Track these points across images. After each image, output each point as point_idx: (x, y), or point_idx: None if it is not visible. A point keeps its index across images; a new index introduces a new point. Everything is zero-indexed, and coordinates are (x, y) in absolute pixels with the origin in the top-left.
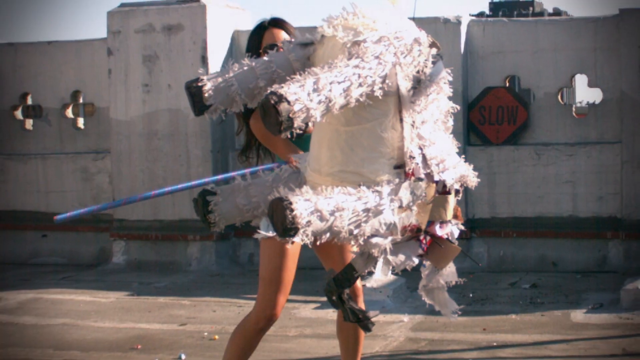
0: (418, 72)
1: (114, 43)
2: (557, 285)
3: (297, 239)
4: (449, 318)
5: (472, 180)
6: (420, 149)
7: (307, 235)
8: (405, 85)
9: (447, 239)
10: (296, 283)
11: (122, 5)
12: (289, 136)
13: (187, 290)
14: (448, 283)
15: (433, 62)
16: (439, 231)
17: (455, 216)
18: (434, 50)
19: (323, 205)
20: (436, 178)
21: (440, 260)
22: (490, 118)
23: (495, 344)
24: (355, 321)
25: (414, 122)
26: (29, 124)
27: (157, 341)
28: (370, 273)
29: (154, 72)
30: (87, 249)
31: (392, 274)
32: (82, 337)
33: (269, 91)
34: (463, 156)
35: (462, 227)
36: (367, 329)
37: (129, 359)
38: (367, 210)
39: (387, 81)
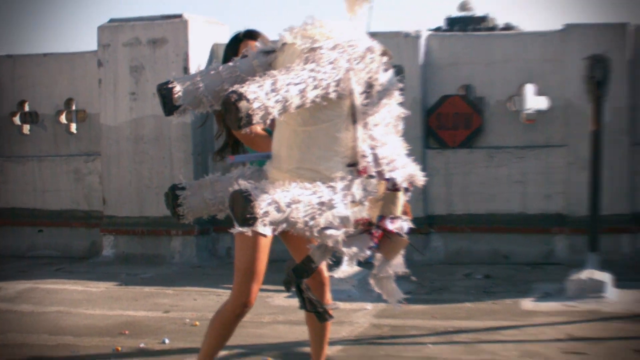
0: (370, 77)
1: (104, 55)
2: (508, 276)
3: (258, 229)
4: (394, 306)
5: (420, 179)
6: (372, 149)
7: (265, 225)
8: (357, 89)
9: (397, 233)
10: (270, 274)
11: (111, 20)
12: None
13: (171, 281)
14: (396, 273)
15: (384, 70)
16: (390, 225)
17: (404, 212)
18: (385, 59)
19: (280, 198)
20: (387, 176)
21: (390, 252)
22: (447, 124)
23: (451, 329)
24: (311, 310)
25: (366, 123)
26: (26, 129)
27: (143, 327)
28: (338, 264)
29: (140, 82)
30: (79, 243)
31: (357, 265)
32: (74, 323)
33: (230, 90)
34: (413, 158)
35: (411, 224)
36: (322, 318)
37: (117, 344)
38: (321, 203)
39: (340, 85)
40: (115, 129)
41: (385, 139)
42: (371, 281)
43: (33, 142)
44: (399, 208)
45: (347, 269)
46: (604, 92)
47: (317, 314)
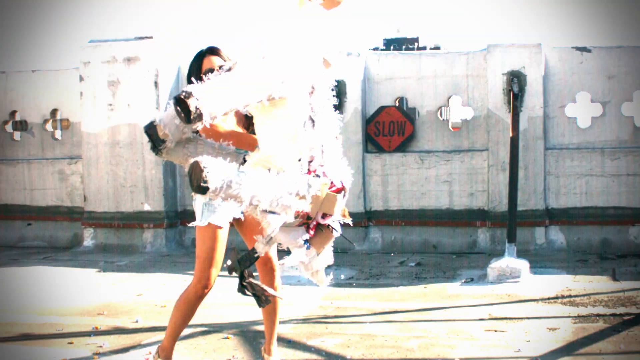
0: (312, 81)
1: (85, 71)
2: (436, 264)
3: (210, 195)
4: (321, 288)
5: (348, 179)
6: (322, 150)
7: (215, 194)
8: (301, 90)
9: (328, 226)
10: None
11: (91, 41)
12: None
13: (143, 268)
14: (326, 262)
15: (325, 77)
16: (322, 220)
17: (343, 215)
18: (325, 66)
19: (233, 175)
20: (327, 174)
21: (320, 244)
22: (384, 131)
23: (388, 310)
24: (250, 295)
25: (313, 122)
26: (17, 135)
27: (119, 308)
28: (289, 253)
29: (116, 95)
30: (63, 234)
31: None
32: (59, 305)
33: (181, 90)
34: (355, 160)
35: (349, 222)
36: (260, 303)
37: (96, 323)
38: (270, 187)
39: (284, 86)
40: (94, 135)
41: (328, 138)
42: (301, 268)
43: (23, 147)
44: (337, 208)
45: (297, 257)
46: (520, 103)
47: (256, 298)
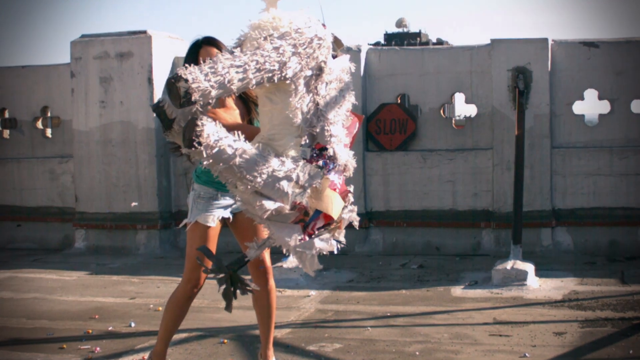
0: (318, 61)
1: (76, 67)
2: (439, 266)
3: (197, 157)
4: (310, 274)
5: (351, 167)
6: (324, 126)
7: (207, 158)
8: (304, 73)
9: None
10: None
11: (83, 36)
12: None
13: (136, 270)
14: (322, 247)
15: (334, 56)
16: (318, 225)
17: (338, 226)
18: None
19: (229, 141)
20: (330, 152)
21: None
22: (385, 129)
23: (389, 314)
24: (225, 296)
25: (317, 103)
26: (7, 133)
27: (111, 312)
28: (286, 257)
29: (109, 91)
30: (54, 236)
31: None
32: (50, 308)
33: (174, 73)
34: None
35: (342, 240)
36: (244, 291)
37: (88, 327)
38: (266, 166)
39: (286, 67)
40: (86, 133)
41: (335, 119)
42: (291, 253)
43: (12, 146)
44: (336, 209)
45: (296, 260)
46: (526, 100)
47: (227, 300)
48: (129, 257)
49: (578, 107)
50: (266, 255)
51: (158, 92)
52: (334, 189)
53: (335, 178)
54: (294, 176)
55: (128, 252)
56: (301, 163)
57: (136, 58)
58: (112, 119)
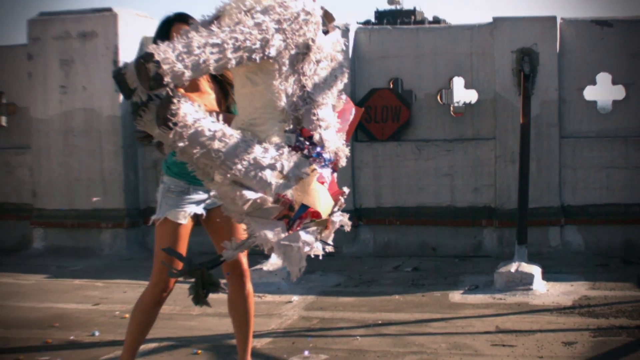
0: (306, 38)
1: (34, 49)
2: (436, 269)
3: (171, 140)
4: (292, 273)
5: (343, 155)
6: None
7: (183, 139)
8: (289, 51)
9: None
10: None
11: (41, 14)
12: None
13: (101, 273)
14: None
15: (325, 32)
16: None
17: (326, 227)
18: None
19: (207, 122)
20: (316, 137)
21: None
22: (376, 117)
23: (380, 322)
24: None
25: (303, 86)
26: None
27: (73, 319)
28: (267, 257)
29: (70, 75)
30: (10, 235)
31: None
32: (4, 315)
33: (143, 52)
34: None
35: (329, 245)
36: (215, 290)
37: (47, 336)
38: (248, 152)
39: (269, 46)
40: (45, 122)
41: (324, 101)
42: (275, 246)
43: None
44: (322, 204)
45: (277, 261)
46: (532, 85)
47: (196, 300)
48: (93, 259)
49: (590, 93)
50: (243, 257)
51: None
52: (322, 183)
53: (324, 171)
54: (277, 165)
55: (91, 253)
56: (286, 151)
57: (100, 38)
58: (73, 106)
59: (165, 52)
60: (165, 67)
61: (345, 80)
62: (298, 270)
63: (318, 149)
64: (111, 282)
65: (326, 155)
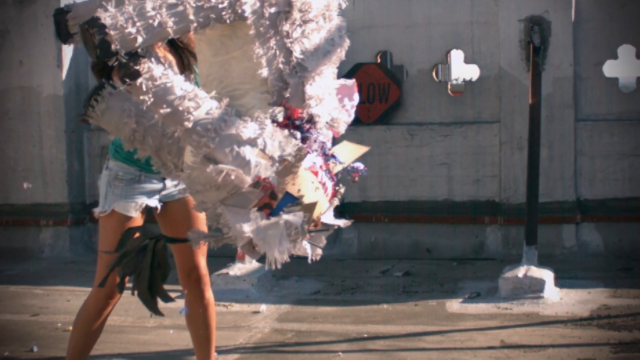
0: None
1: None
2: (431, 273)
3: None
4: (272, 261)
5: (342, 122)
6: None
7: (147, 93)
8: (266, 10)
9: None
10: None
11: None
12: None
13: (40, 279)
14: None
15: None
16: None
17: (315, 224)
18: None
19: (178, 80)
20: (304, 115)
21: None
22: (361, 96)
23: (366, 335)
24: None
25: (289, 51)
26: None
27: (7, 332)
28: (234, 260)
29: (4, 48)
30: None
31: (256, 261)
32: None
33: (89, 17)
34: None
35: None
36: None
37: None
38: (226, 122)
39: (240, 4)
40: None
41: (318, 69)
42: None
43: None
44: (309, 189)
45: (245, 265)
46: (543, 59)
47: (146, 303)
48: (31, 262)
49: (610, 68)
50: (201, 259)
51: (69, 49)
52: (315, 173)
53: (317, 160)
54: (259, 142)
55: (30, 255)
56: (269, 127)
57: (40, 4)
58: (8, 84)
59: (113, 17)
60: (113, 32)
61: (347, 47)
62: (279, 254)
63: (313, 134)
64: (52, 288)
65: (321, 138)
